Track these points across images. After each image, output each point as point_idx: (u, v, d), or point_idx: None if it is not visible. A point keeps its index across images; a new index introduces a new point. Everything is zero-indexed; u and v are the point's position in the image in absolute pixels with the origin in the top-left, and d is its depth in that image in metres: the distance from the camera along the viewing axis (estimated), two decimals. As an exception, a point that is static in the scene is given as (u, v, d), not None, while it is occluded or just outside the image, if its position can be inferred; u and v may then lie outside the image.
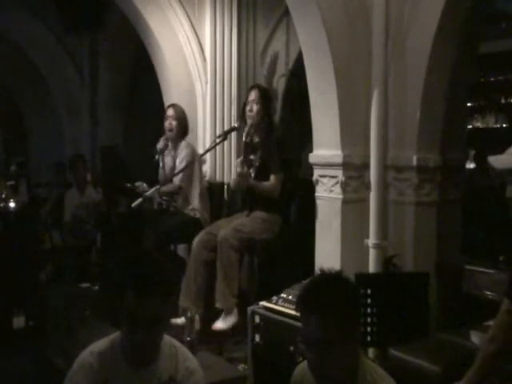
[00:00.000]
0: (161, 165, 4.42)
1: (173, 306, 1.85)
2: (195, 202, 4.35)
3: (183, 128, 4.45)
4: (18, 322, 4.65)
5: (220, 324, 3.75)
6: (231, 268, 3.75)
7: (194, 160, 4.36)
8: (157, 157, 4.41)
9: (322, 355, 1.68)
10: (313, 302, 1.72)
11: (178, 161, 4.38)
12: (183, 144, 4.42)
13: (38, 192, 6.86)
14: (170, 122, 4.40)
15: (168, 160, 4.48)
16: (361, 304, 2.45)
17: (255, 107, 3.98)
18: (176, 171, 4.29)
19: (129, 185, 4.47)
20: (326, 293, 1.72)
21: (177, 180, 4.28)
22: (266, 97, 4.06)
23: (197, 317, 3.82)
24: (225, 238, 3.74)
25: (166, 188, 4.29)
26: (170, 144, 4.46)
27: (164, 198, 4.37)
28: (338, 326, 1.67)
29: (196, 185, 4.36)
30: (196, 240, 3.92)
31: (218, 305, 3.78)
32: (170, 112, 4.42)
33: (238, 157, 4.58)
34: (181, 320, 3.82)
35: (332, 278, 1.78)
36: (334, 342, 1.66)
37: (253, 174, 3.93)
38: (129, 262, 1.99)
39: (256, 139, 4.03)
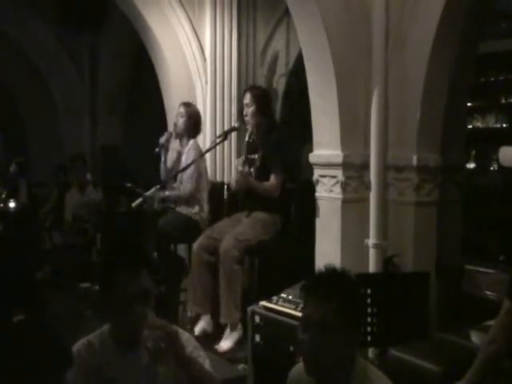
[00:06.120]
0: (162, 159, 4.41)
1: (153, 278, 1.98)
2: (205, 206, 4.35)
3: (193, 127, 4.44)
4: (18, 321, 4.63)
5: (224, 344, 3.69)
6: (235, 281, 3.70)
7: (201, 162, 4.35)
8: (157, 149, 4.40)
9: (317, 340, 1.70)
10: (315, 284, 1.79)
11: (184, 157, 4.37)
12: (192, 144, 4.41)
13: (37, 192, 6.85)
14: (178, 120, 4.42)
15: (172, 155, 4.47)
16: (362, 305, 2.45)
17: (249, 110, 3.97)
18: (180, 168, 4.27)
19: (129, 185, 4.48)
20: (329, 279, 1.79)
21: (187, 187, 4.27)
22: (259, 97, 4.00)
23: (208, 319, 3.83)
24: (227, 249, 3.69)
25: (174, 193, 4.32)
26: (172, 140, 4.46)
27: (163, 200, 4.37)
28: (336, 312, 1.70)
29: (204, 187, 4.36)
30: (196, 244, 3.91)
31: (222, 320, 3.73)
32: (181, 110, 4.42)
33: (238, 156, 4.59)
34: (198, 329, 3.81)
35: (338, 271, 1.83)
36: (330, 327, 1.69)
37: (253, 174, 3.93)
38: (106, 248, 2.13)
39: (257, 139, 4.03)
